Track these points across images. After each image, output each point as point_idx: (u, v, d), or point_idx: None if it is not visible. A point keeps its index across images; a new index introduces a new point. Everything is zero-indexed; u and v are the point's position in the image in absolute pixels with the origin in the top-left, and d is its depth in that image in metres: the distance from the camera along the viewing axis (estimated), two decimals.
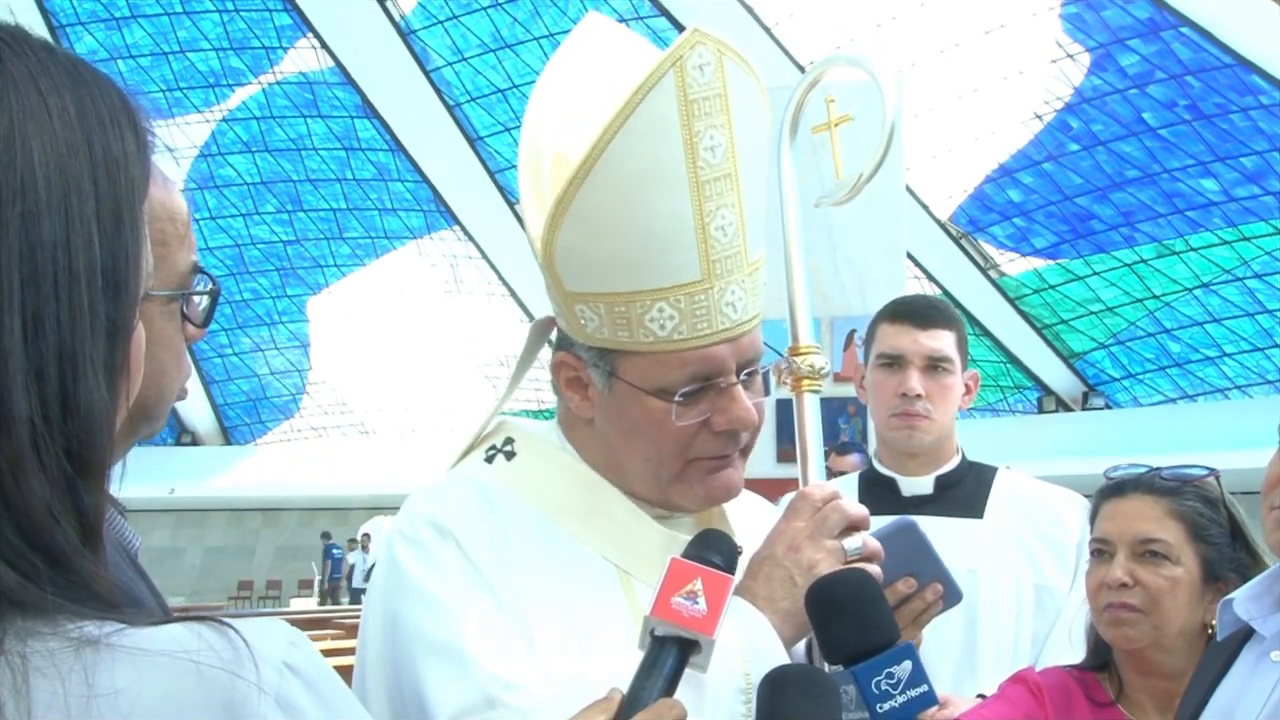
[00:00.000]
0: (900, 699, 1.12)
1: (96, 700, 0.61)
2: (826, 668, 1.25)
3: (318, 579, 23.09)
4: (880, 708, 1.12)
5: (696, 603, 1.07)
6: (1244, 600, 1.47)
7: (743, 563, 1.34)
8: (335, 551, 22.60)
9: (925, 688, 1.13)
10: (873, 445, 2.52)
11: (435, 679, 1.23)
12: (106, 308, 0.70)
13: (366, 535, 22.02)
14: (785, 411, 3.24)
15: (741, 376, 1.35)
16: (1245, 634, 1.49)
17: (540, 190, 1.35)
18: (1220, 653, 1.52)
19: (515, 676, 1.22)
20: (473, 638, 1.24)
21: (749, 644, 1.26)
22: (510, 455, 1.45)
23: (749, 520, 1.51)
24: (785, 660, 1.27)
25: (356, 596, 21.16)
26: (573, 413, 1.43)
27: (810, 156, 1.69)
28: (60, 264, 0.67)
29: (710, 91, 1.25)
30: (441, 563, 1.30)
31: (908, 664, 1.13)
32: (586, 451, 1.43)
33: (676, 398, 1.32)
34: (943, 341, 2.26)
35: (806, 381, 1.46)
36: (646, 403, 1.33)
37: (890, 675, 1.13)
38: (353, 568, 21.79)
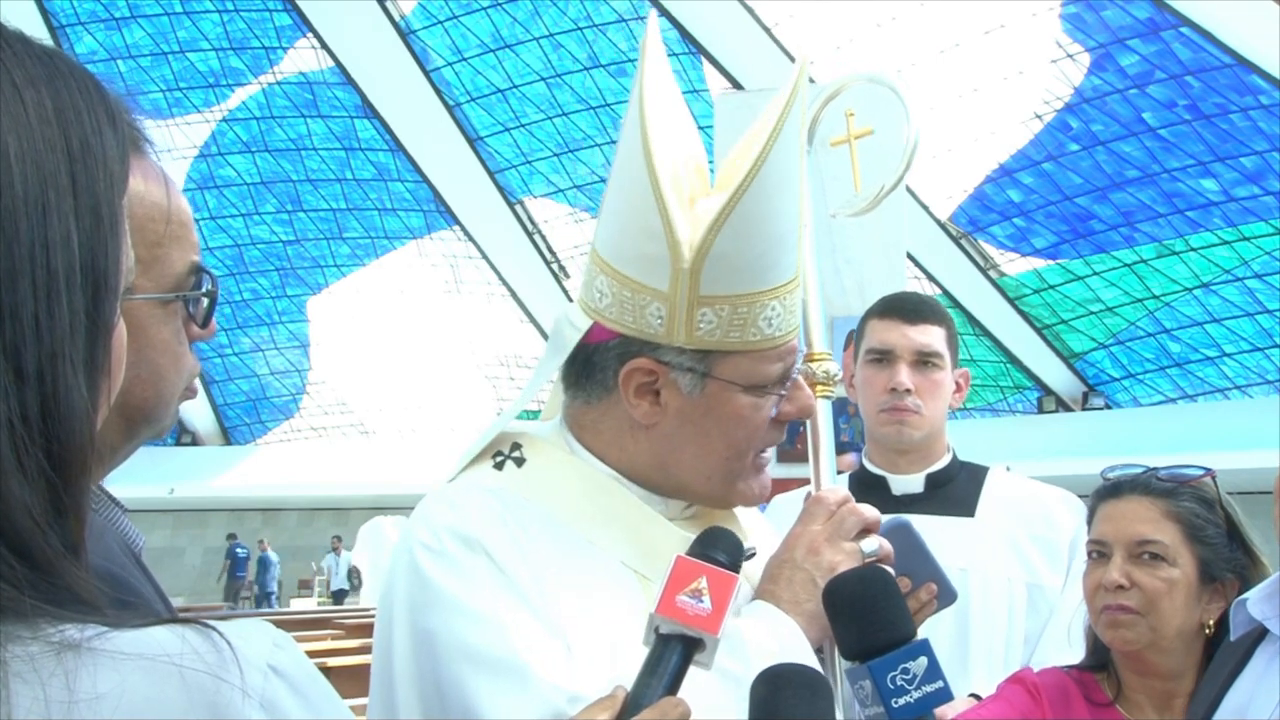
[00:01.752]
0: (916, 694, 1.13)
1: (78, 705, 0.61)
2: (843, 663, 1.27)
3: (223, 580, 23.12)
4: (895, 703, 1.12)
5: (701, 601, 1.08)
6: (1258, 600, 1.47)
7: (756, 565, 1.37)
8: (240, 551, 22.60)
9: (940, 683, 1.14)
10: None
11: (491, 696, 1.20)
12: (86, 305, 0.68)
13: (337, 537, 21.96)
14: None
15: None
16: (1259, 634, 1.49)
17: (682, 199, 1.35)
18: (1233, 653, 1.53)
19: (576, 687, 1.20)
20: (525, 650, 1.21)
21: (781, 648, 1.27)
22: (520, 461, 1.43)
23: (753, 520, 1.53)
24: (814, 663, 1.28)
25: (339, 598, 21.08)
26: (614, 420, 1.40)
27: (812, 162, 1.70)
28: (38, 262, 0.66)
29: (802, 95, 1.33)
30: (473, 575, 1.27)
31: (924, 659, 1.14)
32: (621, 457, 1.41)
33: (780, 391, 1.38)
34: (932, 337, 2.25)
35: (820, 387, 1.48)
36: (738, 400, 1.36)
37: (906, 670, 1.13)
38: (329, 570, 21.75)
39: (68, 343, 0.67)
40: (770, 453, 1.44)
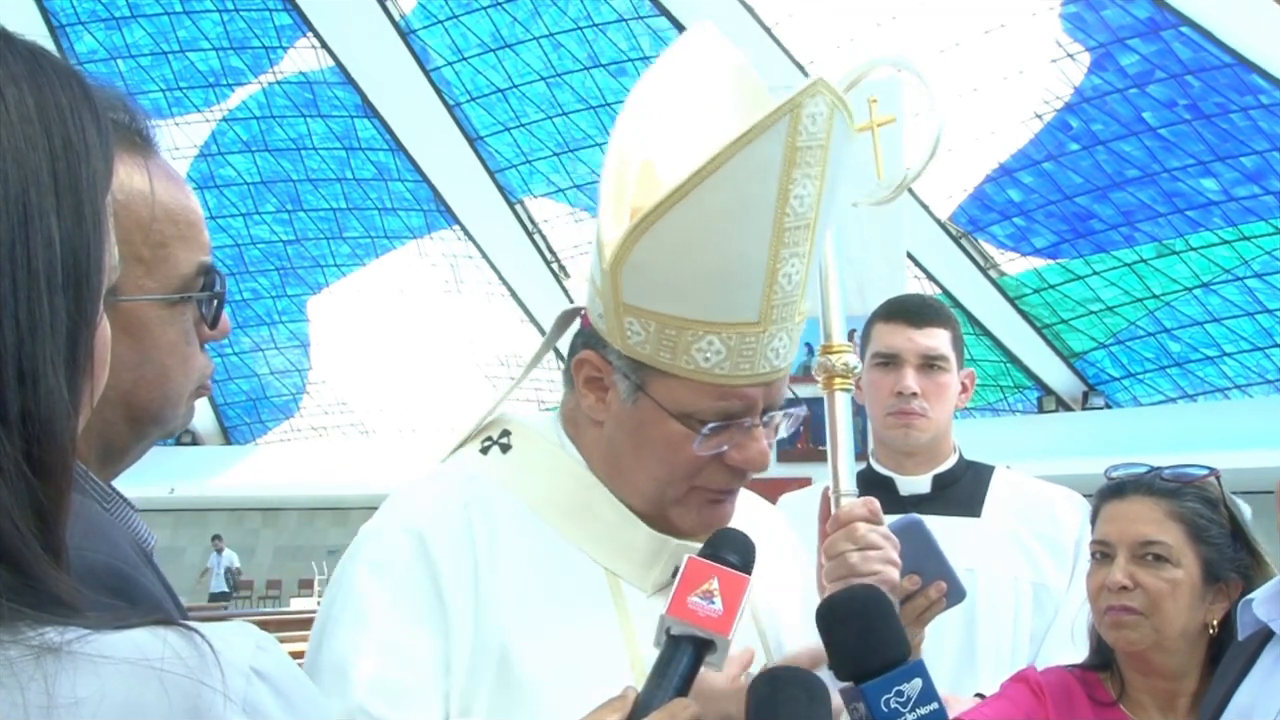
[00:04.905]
0: (910, 716, 1.11)
1: (57, 710, 0.60)
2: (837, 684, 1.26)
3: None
4: None
5: (713, 602, 1.08)
6: (1264, 601, 1.47)
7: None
8: None
9: (935, 705, 1.12)
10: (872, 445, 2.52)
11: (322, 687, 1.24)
12: (67, 305, 0.67)
13: (218, 536, 21.79)
14: None
15: (763, 419, 1.35)
16: (1266, 634, 1.49)
17: (621, 195, 1.33)
18: (1241, 653, 1.53)
19: (394, 714, 1.22)
20: (365, 661, 1.25)
21: None
22: (506, 448, 1.44)
23: (749, 518, 1.51)
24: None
25: (215, 599, 20.78)
26: (583, 411, 1.41)
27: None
28: (18, 261, 0.64)
29: (814, 142, 1.24)
30: (391, 569, 1.30)
31: (918, 681, 1.12)
32: (587, 450, 1.42)
33: (704, 429, 1.31)
34: (937, 340, 2.26)
35: (839, 380, 1.45)
36: (668, 424, 1.32)
37: (900, 693, 1.12)
38: (209, 570, 21.42)
39: (48, 343, 0.66)
40: (736, 490, 1.40)
